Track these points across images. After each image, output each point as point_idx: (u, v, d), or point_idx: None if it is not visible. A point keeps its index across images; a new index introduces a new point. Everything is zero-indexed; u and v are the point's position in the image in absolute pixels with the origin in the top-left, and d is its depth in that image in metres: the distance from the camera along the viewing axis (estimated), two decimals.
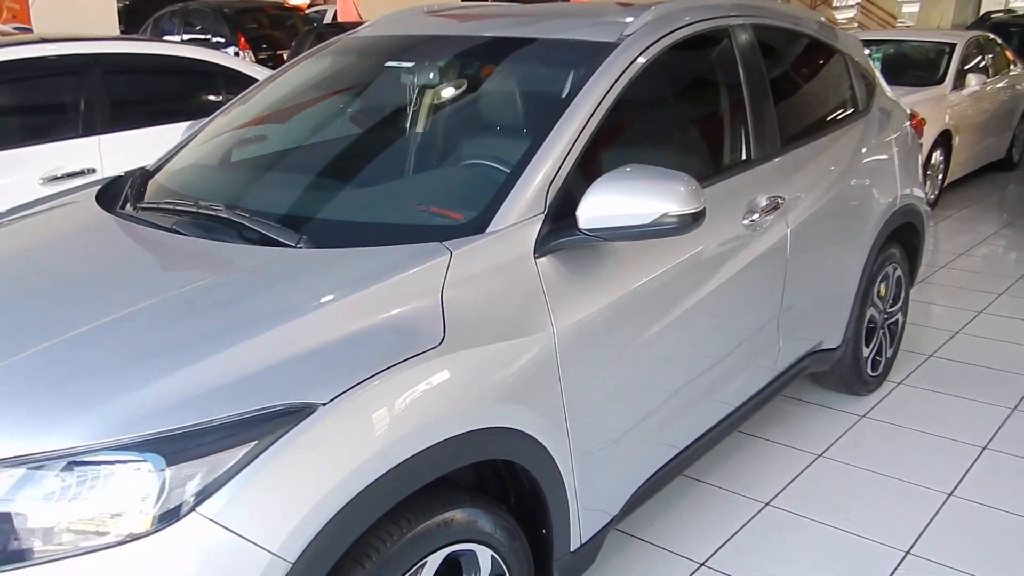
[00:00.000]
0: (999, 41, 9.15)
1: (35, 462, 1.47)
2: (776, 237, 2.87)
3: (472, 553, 1.95)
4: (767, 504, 3.11)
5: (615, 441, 2.32)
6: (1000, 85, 8.62)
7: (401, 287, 1.84)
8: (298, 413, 1.58)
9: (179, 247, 2.10)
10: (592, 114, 2.26)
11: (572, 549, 2.26)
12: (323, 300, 1.77)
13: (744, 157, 2.86)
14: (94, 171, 4.33)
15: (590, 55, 2.44)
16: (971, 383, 4.11)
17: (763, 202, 2.79)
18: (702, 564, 2.78)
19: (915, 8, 20.44)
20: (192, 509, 1.48)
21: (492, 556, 2.00)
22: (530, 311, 2.00)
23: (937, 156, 7.41)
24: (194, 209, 2.27)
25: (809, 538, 2.92)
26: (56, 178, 4.21)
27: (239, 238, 2.11)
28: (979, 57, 8.35)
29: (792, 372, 3.29)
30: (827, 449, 3.49)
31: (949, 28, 14.89)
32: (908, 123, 4.00)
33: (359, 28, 3.16)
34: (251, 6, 12.40)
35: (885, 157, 3.69)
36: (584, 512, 2.25)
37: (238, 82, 5.04)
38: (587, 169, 2.22)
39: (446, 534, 1.86)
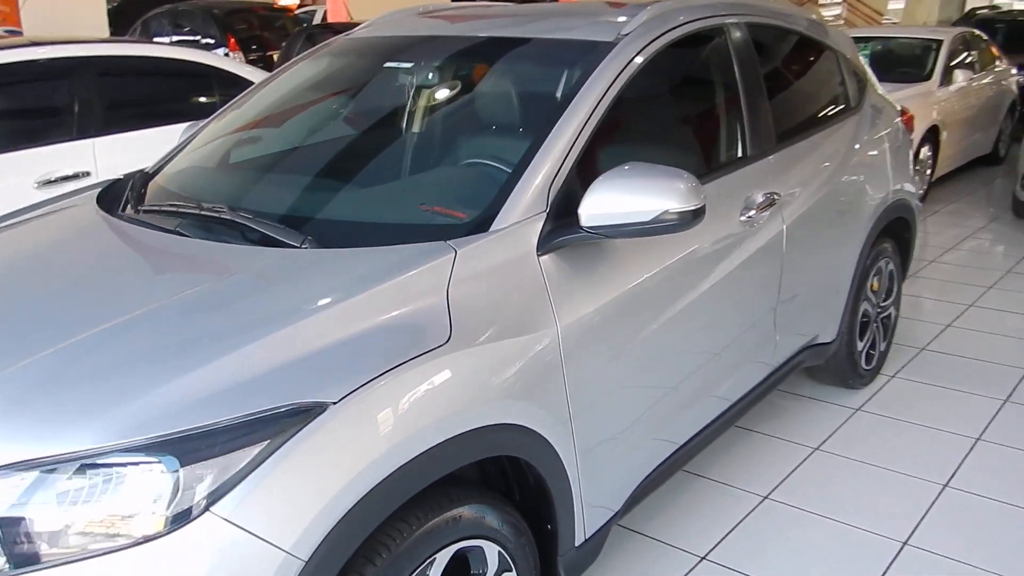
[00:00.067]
0: (984, 37, 9.22)
1: (48, 465, 1.48)
2: (772, 233, 2.90)
3: (480, 549, 1.97)
4: (765, 498, 3.14)
5: (617, 436, 2.34)
6: (986, 81, 8.69)
7: (407, 286, 1.86)
8: (309, 412, 1.59)
9: (184, 249, 2.11)
10: (592, 113, 2.28)
11: (576, 544, 2.28)
12: (331, 300, 1.78)
13: (740, 154, 2.89)
14: (88, 174, 4.33)
15: (588, 54, 2.46)
16: (963, 375, 4.16)
17: (759, 198, 2.82)
18: (703, 558, 2.81)
19: (901, 5, 20.53)
20: (206, 509, 1.49)
21: (499, 552, 2.02)
22: (534, 308, 2.03)
23: (925, 151, 7.47)
24: (197, 211, 2.28)
25: (808, 530, 2.95)
26: (50, 182, 4.20)
27: (243, 239, 2.12)
28: (965, 53, 8.42)
29: (789, 366, 3.32)
30: (823, 442, 3.52)
31: (935, 24, 14.99)
32: (899, 119, 4.04)
33: (357, 28, 3.18)
34: (241, 7, 12.36)
35: (877, 153, 3.73)
36: (588, 507, 2.27)
37: (231, 83, 5.04)
38: (587, 167, 2.24)
39: (455, 530, 1.87)
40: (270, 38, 11.72)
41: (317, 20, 13.56)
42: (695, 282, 2.55)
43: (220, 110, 3.06)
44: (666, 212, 2.06)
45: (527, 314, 2.01)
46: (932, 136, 7.51)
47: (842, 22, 18.23)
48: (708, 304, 2.62)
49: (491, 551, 2.00)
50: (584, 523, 2.28)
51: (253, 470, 1.53)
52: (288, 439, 1.56)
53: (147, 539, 1.47)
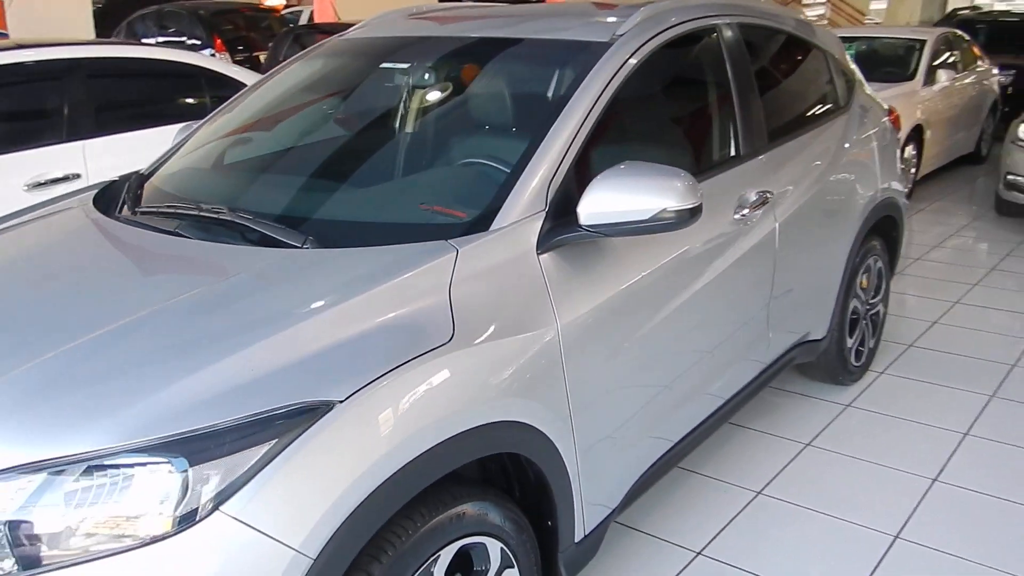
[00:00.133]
0: (966, 37, 9.31)
1: (56, 467, 1.48)
2: (765, 231, 2.93)
3: (483, 546, 1.99)
4: (759, 493, 3.17)
5: (616, 433, 2.37)
6: (968, 81, 8.78)
7: (410, 285, 1.87)
8: (316, 411, 1.60)
9: (185, 250, 2.12)
10: (589, 112, 2.30)
11: (576, 541, 2.30)
12: (335, 299, 1.79)
13: (733, 153, 2.92)
14: (79, 176, 4.32)
15: (584, 55, 2.48)
16: (950, 371, 4.21)
17: (752, 197, 2.85)
18: (699, 553, 2.84)
19: (883, 5, 20.69)
20: (215, 508, 1.50)
21: (501, 548, 2.04)
22: (534, 306, 2.05)
23: (910, 150, 7.54)
24: (196, 212, 2.29)
25: (801, 525, 2.99)
26: (40, 184, 4.19)
27: (243, 240, 2.13)
28: (948, 53, 8.50)
29: (781, 363, 3.36)
30: (815, 438, 3.56)
31: (917, 25, 15.12)
32: (886, 118, 4.09)
33: (351, 29, 3.18)
34: (226, 8, 12.31)
35: (866, 152, 3.77)
36: (587, 504, 2.30)
37: (221, 84, 5.05)
38: (584, 167, 2.26)
39: (458, 527, 1.89)
40: (256, 39, 11.68)
41: (303, 20, 13.52)
42: (691, 280, 2.58)
43: (216, 111, 3.06)
44: (664, 210, 2.09)
45: (528, 312, 2.03)
46: (916, 135, 7.58)
47: (825, 22, 18.34)
48: (704, 301, 2.65)
49: (494, 548, 2.02)
50: (584, 519, 2.31)
51: (261, 469, 1.54)
52: (295, 438, 1.57)
53: (157, 539, 1.48)
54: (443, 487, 1.86)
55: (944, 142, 8.28)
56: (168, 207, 2.40)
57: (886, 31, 9.54)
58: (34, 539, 1.48)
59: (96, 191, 2.68)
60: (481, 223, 2.08)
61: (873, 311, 4.07)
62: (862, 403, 3.87)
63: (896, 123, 4.21)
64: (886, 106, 4.21)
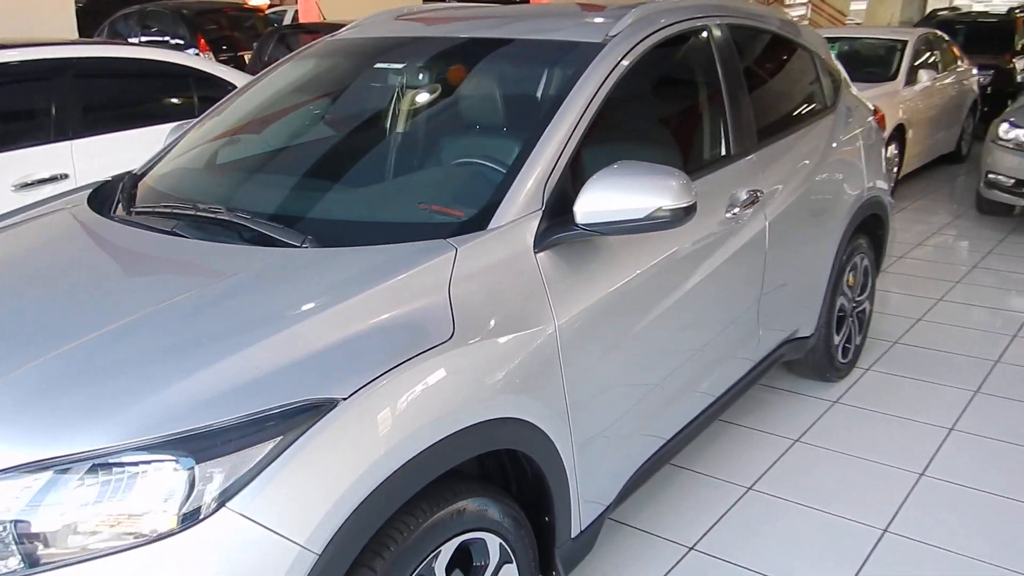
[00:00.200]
0: (946, 38, 9.41)
1: (61, 465, 1.49)
2: (756, 230, 2.97)
3: (482, 541, 2.01)
4: (750, 488, 3.21)
5: (611, 429, 2.39)
6: (948, 81, 8.87)
7: (411, 283, 1.89)
8: (320, 408, 1.62)
9: (184, 250, 2.12)
10: (583, 112, 2.33)
11: (573, 536, 2.32)
12: (336, 297, 1.80)
13: (724, 152, 2.95)
14: (67, 176, 4.30)
15: (578, 55, 2.51)
16: (935, 368, 4.26)
17: (743, 196, 2.88)
18: (691, 548, 2.87)
19: (862, 6, 20.85)
20: (221, 505, 1.51)
21: (500, 544, 2.06)
22: (532, 304, 2.07)
23: (892, 149, 7.61)
24: (193, 212, 2.29)
25: (791, 520, 3.03)
26: (27, 185, 4.17)
27: (241, 240, 2.14)
28: (928, 53, 8.59)
29: (770, 360, 3.39)
30: (803, 434, 3.60)
31: (897, 25, 15.26)
32: (871, 118, 4.14)
33: (343, 30, 3.19)
34: (210, 7, 12.26)
35: (852, 151, 3.82)
36: (583, 499, 2.32)
37: (209, 84, 5.04)
38: (579, 166, 2.29)
39: (459, 523, 1.91)
40: (240, 38, 11.64)
41: (288, 20, 13.48)
42: (685, 278, 2.61)
43: (209, 110, 3.06)
44: (659, 209, 2.11)
45: (526, 310, 2.05)
46: (898, 135, 7.66)
47: (806, 22, 18.46)
48: (697, 299, 2.68)
49: (493, 543, 2.04)
50: (580, 515, 2.33)
51: (266, 466, 1.55)
52: (300, 435, 1.58)
53: (164, 536, 1.49)
54: (444, 483, 1.88)
55: (925, 141, 8.37)
56: (164, 207, 2.40)
57: (867, 31, 9.64)
58: (40, 537, 1.48)
59: (90, 191, 2.68)
60: (479, 222, 2.10)
61: (859, 308, 4.12)
62: (849, 399, 3.92)
63: (881, 123, 4.26)
64: (871, 106, 4.26)
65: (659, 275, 2.49)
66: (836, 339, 3.90)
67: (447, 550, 1.91)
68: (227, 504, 1.51)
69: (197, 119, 3.05)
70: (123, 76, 4.81)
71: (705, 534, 2.94)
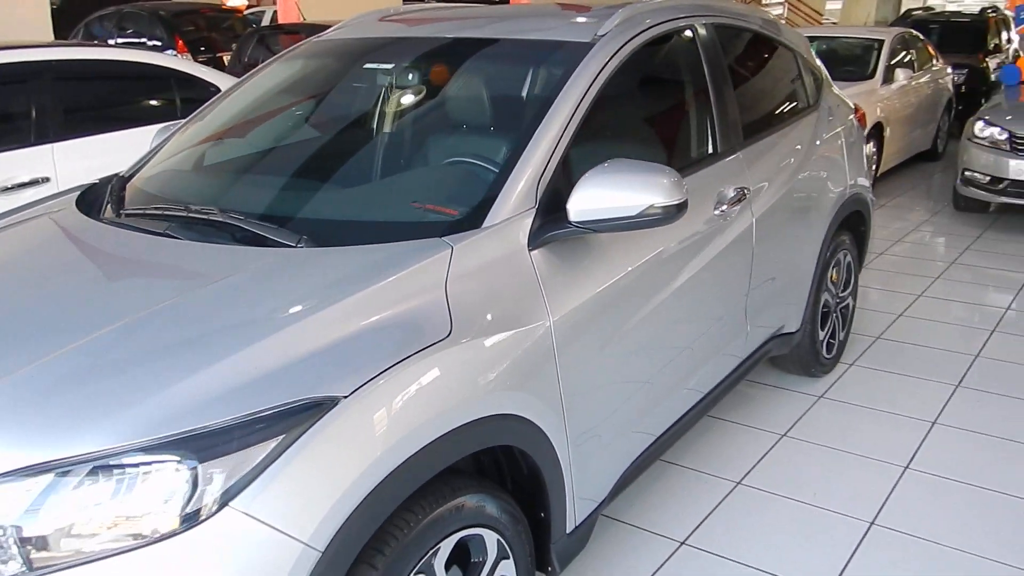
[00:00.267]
0: (921, 37, 9.53)
1: (63, 467, 1.49)
2: (743, 227, 3.00)
3: (480, 537, 2.02)
4: (738, 483, 3.24)
5: (606, 425, 2.41)
6: (924, 79, 8.98)
7: (408, 282, 1.90)
8: (321, 406, 1.62)
9: (179, 251, 2.11)
10: (575, 111, 2.35)
11: (568, 532, 2.34)
12: (335, 297, 1.81)
13: (711, 150, 2.98)
14: (48, 180, 4.27)
15: (567, 55, 2.53)
16: (917, 362, 4.32)
17: (731, 193, 2.91)
18: (682, 543, 2.90)
19: (838, 5, 21.06)
20: (225, 504, 1.51)
21: (498, 540, 2.07)
22: (528, 301, 2.08)
23: (870, 147, 7.69)
24: (185, 213, 2.29)
25: (780, 513, 3.06)
26: (7, 189, 4.13)
27: (235, 240, 2.14)
28: (904, 52, 8.69)
29: (758, 355, 3.43)
30: (790, 429, 3.64)
31: (873, 25, 15.41)
32: (852, 116, 4.19)
33: (329, 30, 3.19)
34: (188, 9, 12.17)
35: (835, 149, 3.86)
36: (578, 495, 2.34)
37: (191, 86, 5.02)
38: (571, 164, 2.31)
39: (458, 519, 1.92)
40: (218, 39, 11.56)
41: (266, 21, 13.42)
42: (676, 274, 2.64)
43: (197, 112, 3.05)
44: (651, 206, 2.14)
45: (521, 307, 2.06)
46: (876, 133, 7.74)
47: (783, 22, 18.61)
48: (688, 295, 2.71)
49: (491, 539, 2.05)
50: (575, 511, 2.35)
51: (269, 465, 1.55)
52: (302, 433, 1.59)
53: (167, 536, 1.49)
54: (442, 480, 1.89)
55: (903, 140, 8.46)
56: (156, 209, 2.39)
57: (844, 31, 9.73)
58: (43, 540, 1.48)
59: (78, 194, 2.67)
60: (473, 220, 2.12)
61: (843, 304, 4.17)
62: (834, 394, 3.97)
63: (862, 121, 4.32)
64: (852, 104, 4.31)
65: (650, 272, 2.51)
66: (821, 335, 3.95)
67: (446, 546, 1.92)
68: (230, 503, 1.52)
69: (185, 120, 3.03)
70: (105, 78, 4.77)
71: (696, 528, 2.97)
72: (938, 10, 17.20)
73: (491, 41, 2.79)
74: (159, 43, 10.82)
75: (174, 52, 10.45)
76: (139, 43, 10.81)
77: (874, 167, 7.88)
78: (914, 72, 8.66)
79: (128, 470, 1.51)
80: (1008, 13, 14.15)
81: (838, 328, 4.14)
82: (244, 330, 1.72)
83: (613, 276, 2.35)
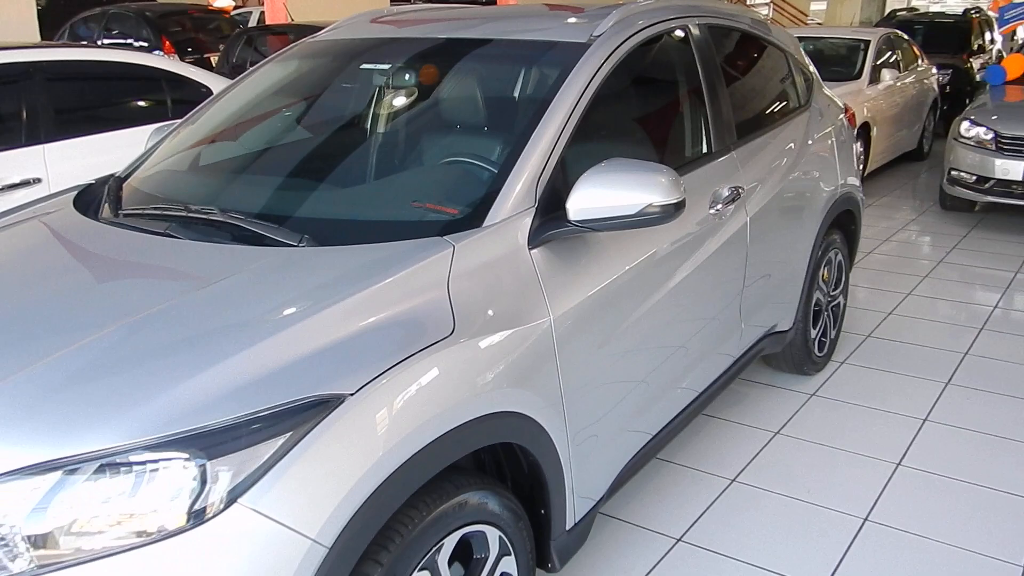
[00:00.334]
0: (906, 37, 9.60)
1: (71, 465, 1.49)
2: (738, 225, 3.03)
3: (483, 534, 2.03)
4: (733, 480, 3.26)
5: (605, 423, 2.43)
6: (910, 80, 9.05)
7: (411, 280, 1.91)
8: (327, 404, 1.63)
9: (180, 250, 2.11)
10: (572, 110, 2.36)
11: (567, 528, 2.36)
12: (339, 295, 1.82)
13: (706, 150, 3.01)
14: (39, 181, 4.25)
15: (564, 55, 2.54)
16: (907, 360, 4.36)
17: (725, 192, 2.94)
18: (679, 540, 2.92)
19: (823, 6, 21.19)
20: (233, 501, 1.52)
21: (500, 536, 2.08)
22: (529, 299, 2.10)
23: (857, 147, 7.74)
24: (185, 213, 2.29)
25: (775, 510, 3.08)
26: None
27: (236, 240, 2.14)
28: (890, 53, 8.75)
29: (752, 353, 3.46)
30: (783, 427, 3.67)
31: (858, 25, 15.51)
32: (842, 115, 4.23)
33: (324, 31, 3.20)
34: (175, 9, 12.13)
35: (826, 148, 3.90)
36: (577, 492, 2.35)
37: (182, 86, 5.01)
38: (569, 164, 2.32)
39: (461, 516, 1.93)
40: (206, 40, 11.52)
41: (254, 22, 13.38)
42: (673, 272, 2.66)
43: (193, 112, 3.04)
44: (650, 205, 2.15)
45: (522, 305, 2.08)
46: (863, 133, 7.80)
47: (769, 22, 18.70)
48: (685, 293, 2.73)
49: (492, 536, 2.06)
50: (574, 508, 2.36)
51: (277, 462, 1.56)
52: (309, 431, 1.60)
53: (176, 533, 1.49)
54: (445, 477, 1.90)
55: (889, 139, 8.53)
56: (155, 208, 2.39)
57: (831, 31, 9.79)
58: (50, 537, 1.48)
59: (75, 194, 2.66)
60: (474, 220, 2.13)
61: (834, 303, 4.20)
62: (826, 392, 4.00)
63: (852, 120, 4.36)
64: (842, 104, 4.35)
65: (648, 270, 2.53)
66: (813, 333, 3.98)
67: (450, 543, 1.93)
68: (239, 500, 1.52)
69: (181, 120, 3.03)
70: (96, 79, 4.76)
71: (692, 526, 2.99)
72: (922, 11, 17.33)
73: (489, 42, 2.81)
74: (146, 44, 10.77)
75: (161, 53, 10.41)
76: (125, 44, 10.75)
77: (861, 167, 7.93)
78: (900, 72, 8.72)
79: (136, 468, 1.51)
80: (991, 14, 14.30)
81: (829, 326, 4.18)
82: (250, 328, 1.72)
83: (612, 275, 2.37)
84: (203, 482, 1.52)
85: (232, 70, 9.09)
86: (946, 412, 3.82)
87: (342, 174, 2.60)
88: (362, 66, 3.00)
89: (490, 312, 2.00)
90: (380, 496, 1.69)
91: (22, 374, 1.64)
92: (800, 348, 3.90)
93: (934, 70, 9.92)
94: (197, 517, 1.51)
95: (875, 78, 8.12)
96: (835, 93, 6.62)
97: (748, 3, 19.81)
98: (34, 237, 2.42)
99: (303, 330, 1.73)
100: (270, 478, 1.55)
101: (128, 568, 1.48)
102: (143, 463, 1.51)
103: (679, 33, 3.04)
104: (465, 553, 2.03)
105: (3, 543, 1.47)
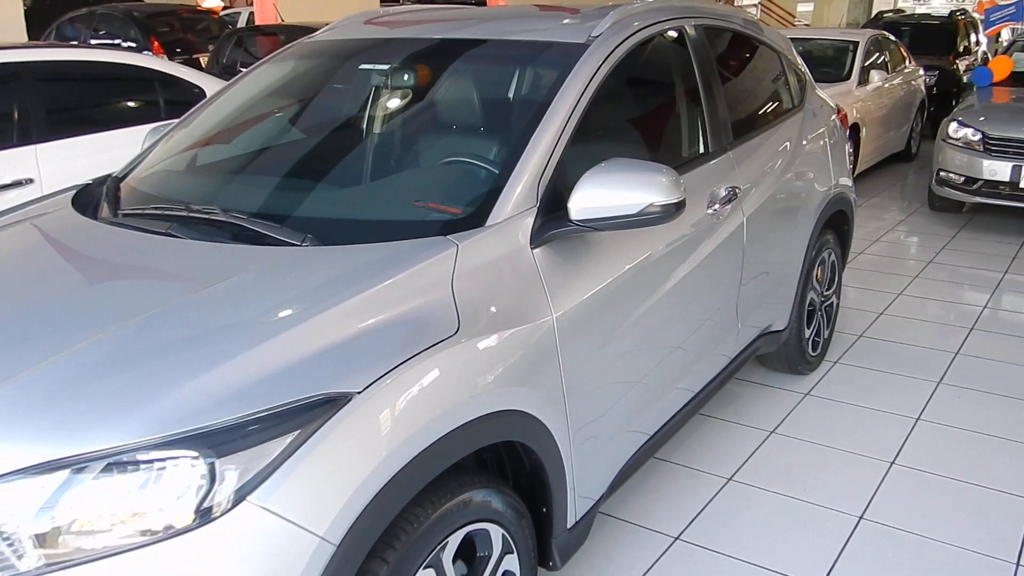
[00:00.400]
0: (893, 39, 9.66)
1: (79, 463, 1.49)
2: (735, 225, 3.04)
3: (486, 532, 2.04)
4: (729, 479, 3.28)
5: (605, 421, 2.44)
6: (897, 81, 9.10)
7: (416, 279, 1.91)
8: (335, 402, 1.64)
9: (183, 250, 2.11)
10: (572, 110, 2.37)
11: (568, 527, 2.36)
12: (345, 294, 1.82)
13: (703, 150, 3.02)
14: (32, 181, 4.23)
15: (563, 55, 2.55)
16: (899, 360, 4.39)
17: (722, 192, 2.96)
18: (676, 538, 2.93)
19: (809, 7, 21.30)
20: (242, 499, 1.52)
21: (503, 535, 2.09)
22: (531, 298, 2.11)
23: (848, 148, 7.78)
24: (186, 213, 2.28)
25: (771, 509, 3.10)
26: None
27: (238, 239, 2.13)
28: (878, 54, 8.80)
29: (747, 353, 3.47)
30: (778, 426, 3.69)
31: (844, 27, 15.60)
32: (835, 116, 4.25)
33: (320, 31, 3.20)
34: (163, 10, 12.07)
35: (820, 149, 3.92)
36: (578, 490, 2.36)
37: (174, 87, 5.00)
38: (569, 163, 2.33)
39: (465, 514, 1.94)
40: (195, 41, 11.47)
41: (242, 22, 13.32)
42: (672, 272, 2.67)
43: (190, 112, 3.04)
44: (651, 205, 2.16)
45: (525, 304, 2.09)
46: (853, 134, 7.84)
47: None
48: (684, 293, 2.75)
49: (496, 534, 2.07)
50: (575, 506, 2.37)
51: (286, 459, 1.56)
52: (317, 429, 1.60)
53: (185, 531, 1.49)
54: (450, 475, 1.91)
55: (878, 140, 8.58)
56: (155, 208, 2.39)
57: (819, 32, 9.84)
58: (58, 536, 1.48)
59: (71, 194, 2.65)
60: (476, 219, 2.13)
61: (827, 303, 4.23)
62: (820, 391, 4.02)
63: (844, 121, 4.38)
64: (834, 105, 4.38)
65: (648, 269, 2.54)
66: (807, 332, 4.00)
67: (454, 541, 1.93)
68: (248, 497, 1.52)
69: (179, 120, 3.02)
70: (88, 79, 4.74)
71: (689, 524, 3.00)
72: (908, 12, 17.44)
73: (491, 42, 2.81)
74: (134, 44, 10.71)
75: (149, 53, 10.36)
76: (113, 44, 10.69)
77: (850, 168, 7.96)
78: (888, 74, 8.78)
79: (143, 466, 1.51)
80: (976, 16, 14.42)
81: (823, 326, 4.20)
82: (257, 327, 1.73)
83: (612, 274, 2.38)
84: (212, 480, 1.52)
85: (222, 71, 9.06)
86: (938, 411, 3.85)
87: (344, 174, 2.60)
88: (364, 66, 3.00)
89: (493, 311, 2.00)
90: (387, 494, 1.69)
91: (29, 373, 1.63)
92: (794, 348, 3.92)
93: (921, 71, 9.99)
94: (205, 515, 1.51)
95: (864, 79, 8.17)
96: (825, 94, 6.68)
97: (736, 4, 19.89)
98: (35, 237, 2.41)
99: (310, 328, 1.73)
100: (279, 476, 1.55)
101: (136, 567, 1.47)
102: (151, 461, 1.51)
103: (676, 34, 3.06)
104: (468, 551, 2.04)
105: (10, 542, 1.47)
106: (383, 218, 2.26)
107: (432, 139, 2.71)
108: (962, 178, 7.01)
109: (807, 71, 4.17)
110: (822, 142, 3.96)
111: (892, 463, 3.41)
